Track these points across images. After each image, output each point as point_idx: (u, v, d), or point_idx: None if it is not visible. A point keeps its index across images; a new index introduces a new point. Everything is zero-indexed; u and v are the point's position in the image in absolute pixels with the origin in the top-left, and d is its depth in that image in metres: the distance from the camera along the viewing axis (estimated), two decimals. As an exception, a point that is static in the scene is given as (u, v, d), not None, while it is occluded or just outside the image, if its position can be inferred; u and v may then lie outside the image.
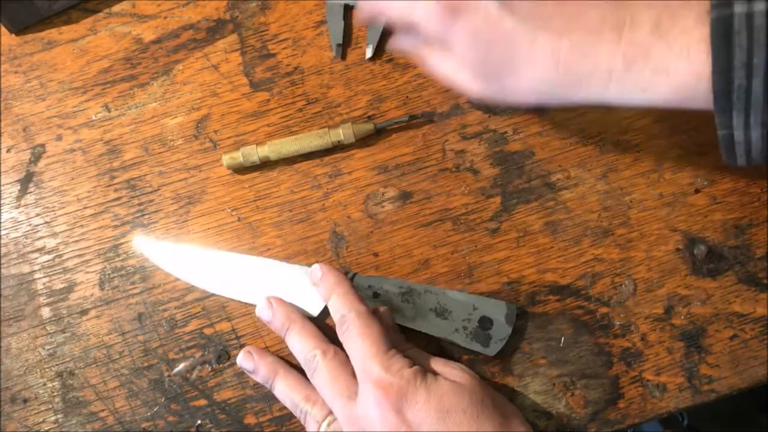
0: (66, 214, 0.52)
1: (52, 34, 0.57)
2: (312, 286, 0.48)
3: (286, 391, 0.46)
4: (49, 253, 0.52)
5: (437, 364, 0.45)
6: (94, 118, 0.55)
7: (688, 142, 0.52)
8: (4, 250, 0.52)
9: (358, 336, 0.43)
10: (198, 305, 0.50)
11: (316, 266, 0.47)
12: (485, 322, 0.47)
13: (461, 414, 0.41)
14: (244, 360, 0.48)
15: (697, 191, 0.51)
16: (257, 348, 0.48)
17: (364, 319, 0.44)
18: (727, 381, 0.48)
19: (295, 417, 0.48)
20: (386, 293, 0.48)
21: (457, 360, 0.48)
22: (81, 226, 0.52)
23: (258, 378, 0.48)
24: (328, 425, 0.44)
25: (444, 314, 0.47)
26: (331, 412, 0.44)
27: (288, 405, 0.46)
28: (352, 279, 0.48)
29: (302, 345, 0.46)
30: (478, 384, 0.43)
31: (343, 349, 0.44)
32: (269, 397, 0.48)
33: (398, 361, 0.42)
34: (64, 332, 0.50)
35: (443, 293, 0.48)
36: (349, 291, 0.46)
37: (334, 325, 0.45)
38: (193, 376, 0.49)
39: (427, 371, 0.43)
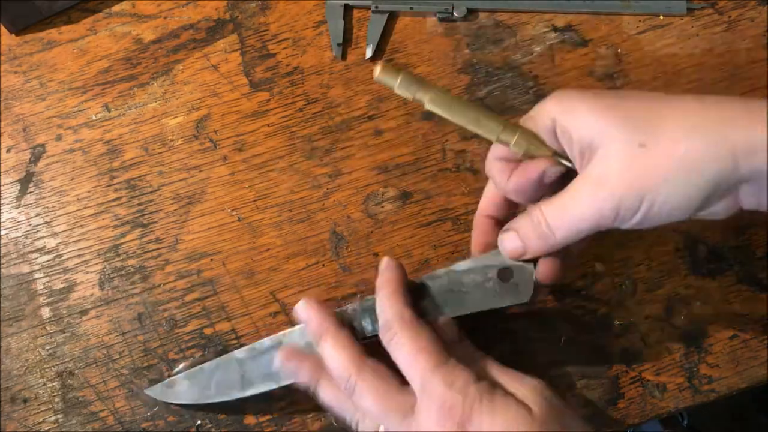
0: (66, 214, 0.52)
1: (52, 34, 0.57)
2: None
3: (331, 398, 0.43)
4: (49, 253, 0.52)
5: (509, 378, 0.40)
6: (94, 118, 0.55)
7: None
8: (3, 250, 0.52)
9: (409, 347, 0.39)
10: (198, 305, 0.50)
11: (384, 259, 0.44)
12: (504, 274, 0.43)
13: None
14: (284, 361, 0.44)
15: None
16: (295, 351, 0.44)
17: (411, 328, 0.40)
18: (727, 381, 0.48)
19: (294, 417, 0.47)
20: None
21: None
22: (81, 226, 0.52)
23: (301, 380, 0.44)
24: None
25: (463, 291, 0.44)
26: None
27: (335, 413, 0.43)
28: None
29: (335, 360, 0.41)
30: (551, 409, 0.38)
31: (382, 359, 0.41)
32: (269, 397, 0.48)
33: (461, 374, 0.38)
34: (64, 332, 0.50)
35: (451, 272, 0.44)
36: (395, 292, 0.42)
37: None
38: (193, 376, 0.49)
39: (495, 386, 0.38)
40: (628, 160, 0.34)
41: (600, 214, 0.35)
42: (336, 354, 0.42)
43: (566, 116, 0.37)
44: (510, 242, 0.40)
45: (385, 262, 0.43)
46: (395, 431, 0.39)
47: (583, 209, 0.36)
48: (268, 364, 0.45)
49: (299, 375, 0.44)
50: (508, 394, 0.38)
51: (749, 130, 0.32)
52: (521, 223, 0.39)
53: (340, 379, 0.41)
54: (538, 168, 0.38)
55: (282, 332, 0.46)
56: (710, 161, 0.33)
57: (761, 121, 0.32)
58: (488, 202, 0.44)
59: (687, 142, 0.33)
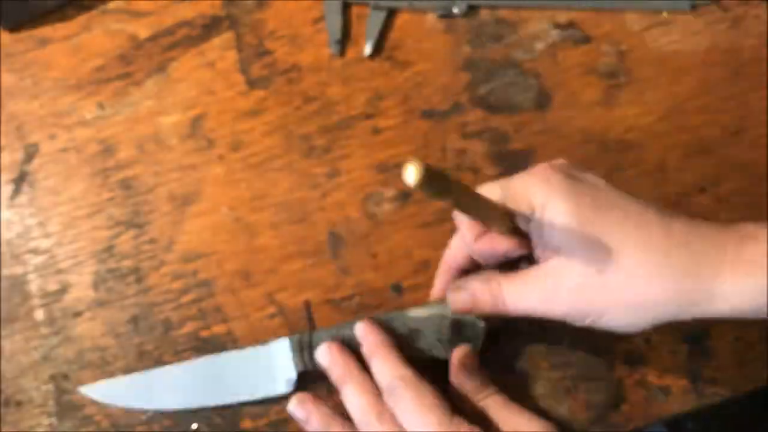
0: (59, 214, 0.52)
1: (45, 31, 0.56)
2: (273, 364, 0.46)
3: None
4: (42, 254, 0.51)
5: (517, 421, 0.42)
6: (88, 116, 0.54)
7: (692, 141, 0.51)
8: (-4, 251, 0.51)
9: (412, 407, 0.41)
10: (194, 307, 0.49)
11: (359, 324, 0.45)
12: (456, 327, 0.45)
13: None
14: (295, 407, 0.46)
15: (702, 190, 0.50)
16: (307, 397, 0.46)
17: (413, 387, 0.41)
18: (731, 383, 0.47)
19: (291, 421, 0.47)
20: (350, 338, 0.45)
21: None
22: (75, 226, 0.51)
23: (310, 428, 0.45)
24: None
25: (415, 336, 0.45)
26: None
27: None
28: (311, 336, 0.46)
29: (357, 405, 0.43)
30: None
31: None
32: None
33: (463, 429, 0.40)
34: (58, 334, 0.49)
35: (407, 315, 0.45)
36: (391, 353, 0.43)
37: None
38: (189, 379, 0.48)
39: None
40: (581, 283, 0.37)
41: (551, 313, 0.38)
42: (358, 399, 0.43)
43: (547, 212, 0.38)
44: (462, 304, 0.41)
45: (364, 328, 0.45)
46: None
47: (535, 304, 0.39)
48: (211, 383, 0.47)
49: (309, 423, 0.45)
50: None
51: (707, 284, 0.35)
52: (476, 286, 0.41)
53: (361, 423, 0.43)
54: (503, 246, 0.40)
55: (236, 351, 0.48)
56: (661, 305, 0.36)
57: (717, 276, 0.35)
58: (454, 255, 0.45)
59: (643, 284, 0.36)
